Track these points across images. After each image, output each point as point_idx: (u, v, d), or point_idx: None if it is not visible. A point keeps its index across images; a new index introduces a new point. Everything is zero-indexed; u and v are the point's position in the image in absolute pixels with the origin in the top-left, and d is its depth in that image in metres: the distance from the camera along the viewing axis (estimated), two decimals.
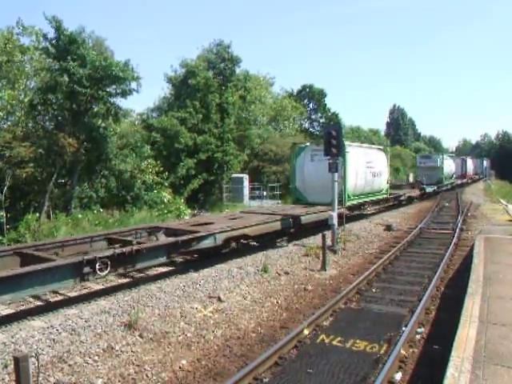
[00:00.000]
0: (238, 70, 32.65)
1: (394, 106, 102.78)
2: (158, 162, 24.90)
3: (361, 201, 20.16)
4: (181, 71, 31.08)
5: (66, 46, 18.98)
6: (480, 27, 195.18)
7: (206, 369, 6.35)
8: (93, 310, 7.93)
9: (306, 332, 7.39)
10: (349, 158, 17.93)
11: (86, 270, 7.96)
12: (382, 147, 25.09)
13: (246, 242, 13.79)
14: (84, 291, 9.55)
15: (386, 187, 23.31)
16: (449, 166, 40.35)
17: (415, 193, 30.94)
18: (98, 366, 6.17)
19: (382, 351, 6.76)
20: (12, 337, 6.59)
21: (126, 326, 7.30)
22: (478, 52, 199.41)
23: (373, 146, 26.42)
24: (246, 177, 32.04)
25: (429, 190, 33.41)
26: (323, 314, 8.18)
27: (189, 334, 7.39)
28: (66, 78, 19.25)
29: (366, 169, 20.12)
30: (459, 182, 45.42)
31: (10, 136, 17.81)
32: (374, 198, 21.84)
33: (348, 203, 18.06)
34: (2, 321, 7.43)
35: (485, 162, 75.29)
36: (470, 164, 56.52)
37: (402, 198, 27.29)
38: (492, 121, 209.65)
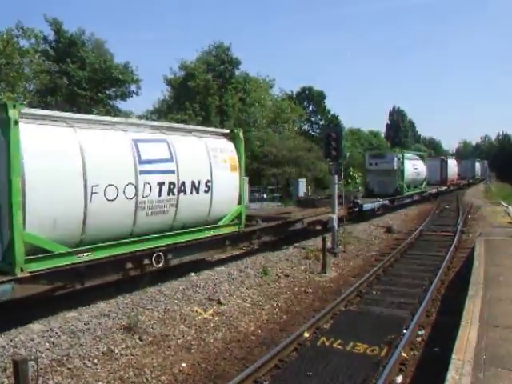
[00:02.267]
0: (237, 73, 32.77)
1: (394, 107, 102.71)
2: None
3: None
4: (180, 73, 31.14)
5: (65, 48, 19.06)
6: (480, 28, 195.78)
7: (206, 372, 6.32)
8: (92, 312, 7.90)
9: (306, 335, 7.36)
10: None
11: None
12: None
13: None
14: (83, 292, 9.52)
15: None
16: (414, 168, 28.87)
17: (338, 213, 14.61)
18: (97, 369, 6.14)
19: (382, 354, 6.73)
20: (11, 340, 6.56)
21: (126, 329, 7.27)
22: (478, 53, 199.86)
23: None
24: (245, 179, 32.00)
25: (368, 207, 20.63)
26: (323, 316, 8.15)
27: (188, 337, 7.36)
28: (65, 81, 19.31)
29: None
30: (434, 190, 35.25)
31: None
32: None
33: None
34: (1, 324, 7.40)
35: (478, 165, 64.50)
36: (453, 166, 45.56)
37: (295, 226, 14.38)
38: (493, 122, 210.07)
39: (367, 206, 20.51)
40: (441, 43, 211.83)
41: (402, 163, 25.97)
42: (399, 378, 6.02)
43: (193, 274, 10.73)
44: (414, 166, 29.14)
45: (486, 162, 76.21)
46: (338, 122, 52.83)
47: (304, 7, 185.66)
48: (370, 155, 27.51)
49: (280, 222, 13.97)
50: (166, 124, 11.71)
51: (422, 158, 33.38)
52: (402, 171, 25.84)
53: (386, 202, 23.44)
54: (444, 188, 39.62)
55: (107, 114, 20.60)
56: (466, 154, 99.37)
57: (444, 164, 41.35)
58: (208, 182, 10.55)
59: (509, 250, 11.82)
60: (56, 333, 6.90)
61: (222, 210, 11.25)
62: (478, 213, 25.40)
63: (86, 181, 7.85)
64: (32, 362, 5.24)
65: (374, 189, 25.45)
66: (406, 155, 27.98)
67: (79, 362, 6.23)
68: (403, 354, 6.59)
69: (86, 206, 7.87)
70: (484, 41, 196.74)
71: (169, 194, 9.46)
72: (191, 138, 10.84)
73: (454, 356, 5.26)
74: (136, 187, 8.70)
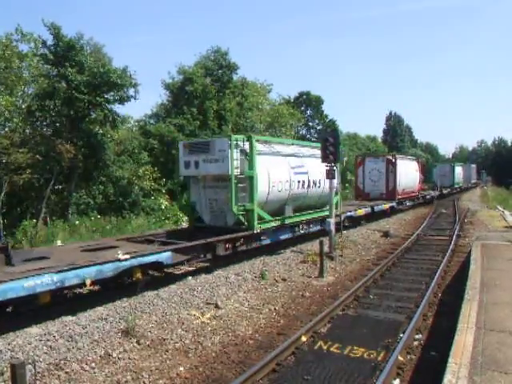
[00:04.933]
0: (235, 77, 32.84)
1: (391, 112, 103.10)
2: (156, 169, 24.92)
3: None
4: (178, 78, 31.20)
5: (64, 52, 19.06)
6: (477, 33, 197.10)
7: (204, 376, 6.32)
8: (90, 316, 7.90)
9: (303, 339, 7.38)
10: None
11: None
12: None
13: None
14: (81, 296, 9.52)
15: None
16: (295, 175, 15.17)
17: None
18: (94, 373, 6.14)
19: (379, 358, 6.76)
20: (9, 344, 6.56)
21: (124, 333, 7.28)
22: (475, 58, 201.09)
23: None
24: None
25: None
26: (321, 320, 8.17)
27: (186, 341, 7.37)
28: (63, 85, 19.31)
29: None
30: (349, 212, 19.10)
31: (8, 142, 17.78)
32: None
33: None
34: None
35: (459, 169, 50.11)
36: (412, 170, 29.91)
37: None
38: (489, 127, 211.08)
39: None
40: (438, 49, 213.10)
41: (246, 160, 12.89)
42: (396, 382, 6.04)
43: (190, 277, 10.74)
44: (295, 171, 14.91)
45: (474, 166, 64.87)
46: (336, 126, 52.96)
47: (301, 13, 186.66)
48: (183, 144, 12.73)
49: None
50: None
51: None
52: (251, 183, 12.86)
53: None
54: (384, 207, 23.63)
55: (105, 117, 20.64)
56: (462, 158, 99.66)
57: (391, 167, 26.07)
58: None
59: (505, 254, 11.89)
60: (54, 336, 6.90)
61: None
62: (475, 217, 25.52)
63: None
64: (29, 366, 5.24)
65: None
66: (285, 141, 17.41)
67: (77, 365, 6.23)
68: (400, 358, 6.61)
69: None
70: (482, 46, 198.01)
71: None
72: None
73: (450, 360, 5.29)
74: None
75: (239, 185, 12.48)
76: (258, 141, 13.51)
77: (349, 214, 19.10)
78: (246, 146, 12.84)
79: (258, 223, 12.87)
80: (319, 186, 16.55)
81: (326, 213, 15.52)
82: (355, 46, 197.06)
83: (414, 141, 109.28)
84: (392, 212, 26.21)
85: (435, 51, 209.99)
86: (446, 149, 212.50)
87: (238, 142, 12.57)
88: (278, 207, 14.31)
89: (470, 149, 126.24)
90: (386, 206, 24.46)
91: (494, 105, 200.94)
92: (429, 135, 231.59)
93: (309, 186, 15.74)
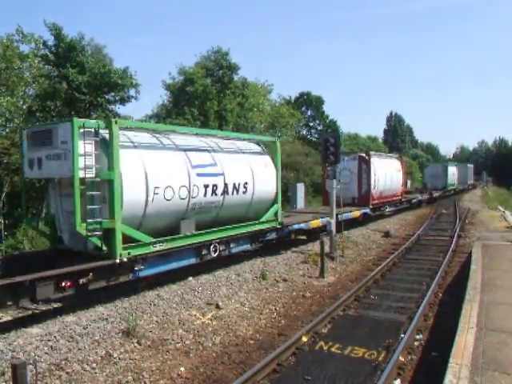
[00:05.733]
0: (236, 78, 32.80)
1: (391, 113, 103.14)
2: None
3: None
4: (179, 78, 31.22)
5: (65, 53, 19.08)
6: (477, 33, 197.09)
7: (205, 376, 6.33)
8: (91, 317, 7.90)
9: (304, 339, 7.38)
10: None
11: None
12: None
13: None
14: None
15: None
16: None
17: None
18: (95, 373, 6.15)
19: (380, 358, 6.76)
20: (10, 344, 6.57)
21: (124, 333, 7.28)
22: (476, 58, 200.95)
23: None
24: None
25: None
26: (321, 321, 8.17)
27: (187, 341, 7.37)
28: (64, 85, 19.32)
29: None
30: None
31: (9, 143, 17.80)
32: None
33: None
34: (0, 328, 7.40)
35: (453, 169, 45.34)
36: (393, 170, 25.40)
37: None
38: (490, 127, 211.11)
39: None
40: (439, 49, 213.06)
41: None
42: (397, 382, 6.04)
43: (191, 278, 10.75)
44: (200, 171, 12.02)
45: (471, 165, 59.64)
46: (336, 127, 52.93)
47: (302, 14, 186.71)
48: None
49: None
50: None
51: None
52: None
53: None
54: (352, 214, 18.87)
55: (106, 118, 20.63)
56: (463, 158, 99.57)
57: (364, 166, 21.94)
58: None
59: (506, 254, 11.89)
60: (54, 337, 6.91)
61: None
62: (476, 217, 25.50)
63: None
64: (30, 366, 5.24)
65: None
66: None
67: (78, 366, 6.24)
68: (401, 358, 6.61)
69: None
70: (482, 46, 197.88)
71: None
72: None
73: (451, 360, 5.29)
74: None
75: (91, 192, 8.51)
76: (128, 128, 9.96)
77: (297, 226, 14.62)
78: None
79: (127, 248, 8.87)
80: (245, 192, 12.21)
81: (263, 226, 12.80)
82: (356, 47, 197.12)
83: (415, 141, 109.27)
84: (392, 213, 26.20)
85: (436, 51, 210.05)
86: (447, 149, 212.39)
87: (90, 130, 8.69)
88: (171, 223, 10.21)
89: (471, 149, 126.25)
90: (357, 213, 19.13)
91: (495, 105, 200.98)
92: (430, 135, 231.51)
93: (225, 191, 11.43)
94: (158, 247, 9.66)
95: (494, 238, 15.05)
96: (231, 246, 12.01)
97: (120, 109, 22.28)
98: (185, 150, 10.73)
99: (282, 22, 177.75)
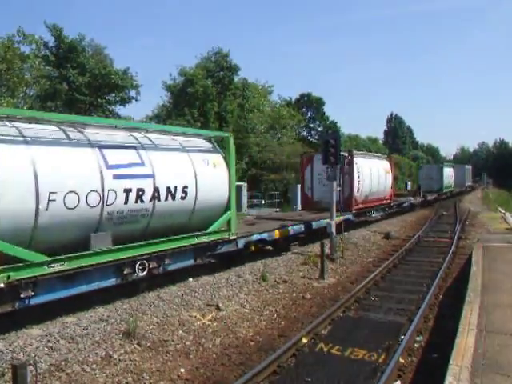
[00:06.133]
0: (236, 79, 32.87)
1: (392, 114, 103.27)
2: None
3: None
4: (179, 79, 31.26)
5: (65, 53, 19.14)
6: (479, 35, 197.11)
7: (205, 377, 6.32)
8: (91, 317, 7.89)
9: (304, 340, 7.37)
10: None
11: None
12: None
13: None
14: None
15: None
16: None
17: None
18: (95, 374, 6.14)
19: (380, 360, 6.75)
20: (10, 345, 6.56)
21: (125, 335, 7.27)
22: (476, 60, 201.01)
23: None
24: (244, 185, 32.04)
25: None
26: (322, 322, 8.16)
27: (187, 343, 7.37)
28: (65, 86, 19.38)
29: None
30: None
31: None
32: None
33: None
34: (0, 329, 7.39)
35: (448, 170, 43.10)
36: (379, 170, 22.80)
37: None
38: (490, 129, 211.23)
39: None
40: (439, 50, 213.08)
41: None
42: None
43: (191, 279, 10.73)
44: (119, 172, 9.29)
45: (469, 167, 57.59)
46: (337, 128, 52.96)
47: (302, 15, 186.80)
48: None
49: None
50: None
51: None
52: None
53: None
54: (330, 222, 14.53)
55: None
56: (463, 160, 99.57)
57: (346, 167, 19.14)
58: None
59: (507, 256, 11.87)
60: (54, 338, 6.90)
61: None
62: (476, 219, 25.50)
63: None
64: (31, 367, 5.24)
65: None
66: None
67: (78, 366, 6.23)
68: (401, 360, 6.61)
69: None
70: (482, 47, 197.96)
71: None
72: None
73: (451, 362, 5.28)
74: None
75: None
76: (24, 119, 7.92)
77: (257, 237, 12.66)
78: None
79: (6, 270, 6.94)
80: (184, 197, 10.16)
81: (210, 237, 10.79)
82: (356, 47, 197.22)
83: (415, 142, 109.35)
84: (392, 213, 26.16)
85: (436, 51, 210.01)
86: (448, 150, 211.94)
87: None
88: (78, 236, 8.22)
89: (472, 150, 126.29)
90: (337, 219, 14.98)
91: (496, 106, 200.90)
92: (430, 137, 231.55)
93: (156, 197, 9.41)
94: (57, 268, 7.63)
95: (494, 240, 15.04)
96: (166, 262, 9.85)
97: (120, 110, 22.35)
98: (99, 147, 8.61)
99: (282, 23, 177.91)
